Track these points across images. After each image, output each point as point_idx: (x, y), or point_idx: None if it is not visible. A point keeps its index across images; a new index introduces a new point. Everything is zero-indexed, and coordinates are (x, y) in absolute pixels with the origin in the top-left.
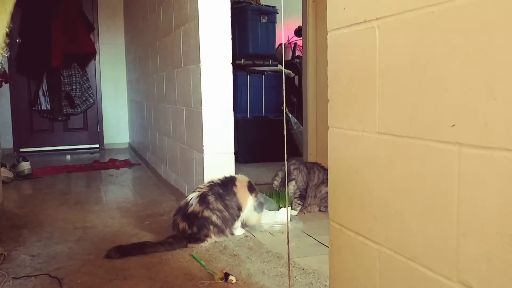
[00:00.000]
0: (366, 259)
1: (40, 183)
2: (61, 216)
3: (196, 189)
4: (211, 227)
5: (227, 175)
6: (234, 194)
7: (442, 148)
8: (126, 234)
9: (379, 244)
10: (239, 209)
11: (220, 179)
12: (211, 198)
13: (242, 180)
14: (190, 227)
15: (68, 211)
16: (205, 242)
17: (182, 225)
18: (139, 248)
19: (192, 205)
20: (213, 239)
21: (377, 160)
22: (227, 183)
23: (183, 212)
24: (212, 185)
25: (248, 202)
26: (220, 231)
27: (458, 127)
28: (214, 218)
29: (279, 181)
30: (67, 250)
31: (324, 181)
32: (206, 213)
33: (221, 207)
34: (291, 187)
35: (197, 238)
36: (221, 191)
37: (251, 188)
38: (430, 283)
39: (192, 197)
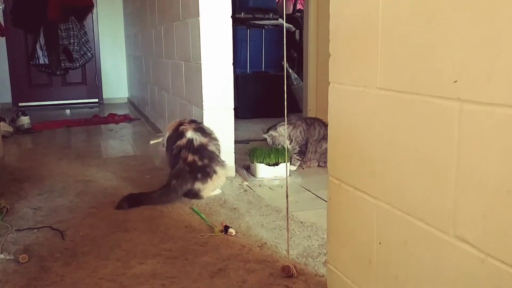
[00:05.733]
0: (363, 213)
1: (40, 137)
2: (61, 170)
3: (182, 129)
4: (217, 159)
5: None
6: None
7: (443, 104)
8: (127, 188)
9: (377, 199)
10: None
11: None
12: (207, 129)
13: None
14: (200, 159)
15: (68, 165)
16: (210, 180)
17: (192, 158)
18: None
19: (196, 140)
20: (218, 173)
21: (378, 116)
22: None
23: (190, 147)
24: (191, 121)
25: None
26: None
27: (460, 83)
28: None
29: (270, 141)
30: (69, 203)
31: (325, 137)
32: (211, 147)
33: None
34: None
35: (207, 172)
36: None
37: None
38: (426, 237)
39: (191, 133)
